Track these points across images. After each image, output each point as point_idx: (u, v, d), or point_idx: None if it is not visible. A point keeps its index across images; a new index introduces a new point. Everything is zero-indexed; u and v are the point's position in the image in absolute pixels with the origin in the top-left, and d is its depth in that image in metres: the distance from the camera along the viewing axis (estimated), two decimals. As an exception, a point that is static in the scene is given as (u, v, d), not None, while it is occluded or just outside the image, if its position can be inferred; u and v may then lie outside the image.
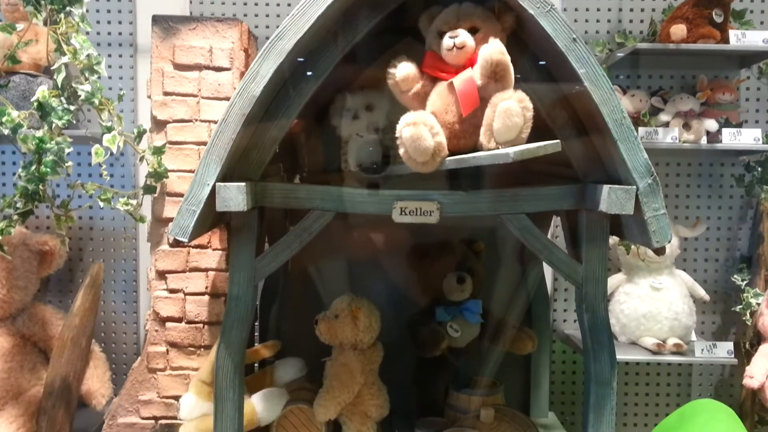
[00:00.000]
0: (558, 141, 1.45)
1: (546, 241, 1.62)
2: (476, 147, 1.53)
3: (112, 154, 1.81)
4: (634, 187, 1.48)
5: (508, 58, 1.44)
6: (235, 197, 1.50)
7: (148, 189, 1.92)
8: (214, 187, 1.50)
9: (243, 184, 1.50)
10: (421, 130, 1.46)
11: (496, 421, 1.69)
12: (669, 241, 1.50)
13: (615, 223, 1.63)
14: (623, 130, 1.46)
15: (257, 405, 1.77)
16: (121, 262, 2.50)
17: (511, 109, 1.42)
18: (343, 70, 1.64)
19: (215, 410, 1.64)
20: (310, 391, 1.86)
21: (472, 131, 1.52)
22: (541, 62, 1.61)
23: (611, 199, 1.48)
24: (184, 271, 1.99)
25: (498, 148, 1.46)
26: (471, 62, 1.51)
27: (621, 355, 2.26)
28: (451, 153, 1.52)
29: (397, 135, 1.49)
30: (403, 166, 1.56)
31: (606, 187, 1.48)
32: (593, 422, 1.62)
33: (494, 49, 1.43)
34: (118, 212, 2.43)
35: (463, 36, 1.50)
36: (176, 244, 1.53)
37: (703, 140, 2.33)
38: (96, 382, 2.27)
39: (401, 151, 1.50)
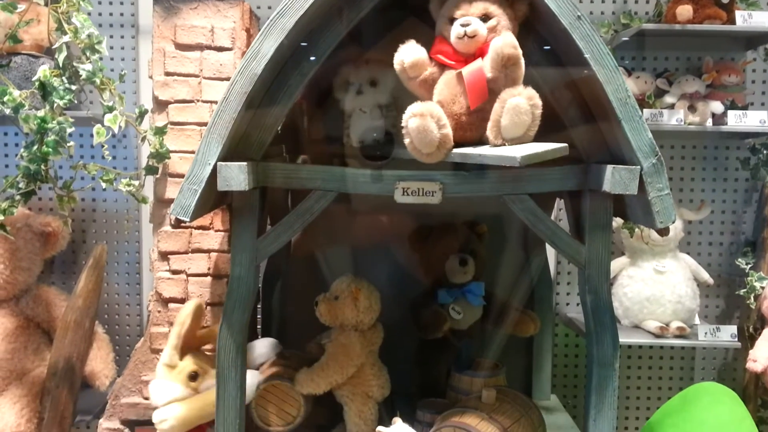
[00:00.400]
0: (566, 145, 1.46)
1: (549, 223, 1.62)
2: (482, 139, 1.52)
3: (113, 134, 1.80)
4: (638, 167, 1.47)
5: (519, 53, 1.43)
6: (236, 176, 1.49)
7: (150, 170, 1.92)
8: (215, 166, 1.49)
9: (244, 163, 1.49)
10: (428, 122, 1.44)
11: (497, 401, 1.69)
12: (673, 222, 1.49)
13: (618, 204, 1.62)
14: (627, 110, 1.45)
15: None
16: (124, 244, 2.50)
17: (519, 106, 1.41)
18: (347, 48, 1.63)
19: (218, 390, 1.64)
20: (283, 366, 1.86)
21: (478, 124, 1.51)
22: (546, 43, 1.59)
23: (615, 179, 1.47)
24: (186, 252, 1.99)
25: (504, 145, 1.46)
26: (482, 52, 1.49)
27: (624, 339, 2.26)
28: (457, 144, 1.51)
29: (403, 124, 1.48)
30: (407, 151, 1.55)
31: (610, 167, 1.47)
32: (595, 403, 1.62)
33: (506, 43, 1.41)
34: (120, 194, 2.43)
35: (475, 24, 1.48)
36: (178, 223, 1.52)
37: (709, 122, 2.31)
38: (99, 363, 2.28)
39: (406, 141, 1.49)
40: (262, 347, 1.98)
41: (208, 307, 2.01)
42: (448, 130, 1.47)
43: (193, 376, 1.82)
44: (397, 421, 1.67)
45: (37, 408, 2.15)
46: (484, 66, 1.45)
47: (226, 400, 1.64)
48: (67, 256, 2.49)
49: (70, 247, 2.44)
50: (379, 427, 1.67)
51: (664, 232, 1.54)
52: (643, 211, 1.53)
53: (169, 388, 1.80)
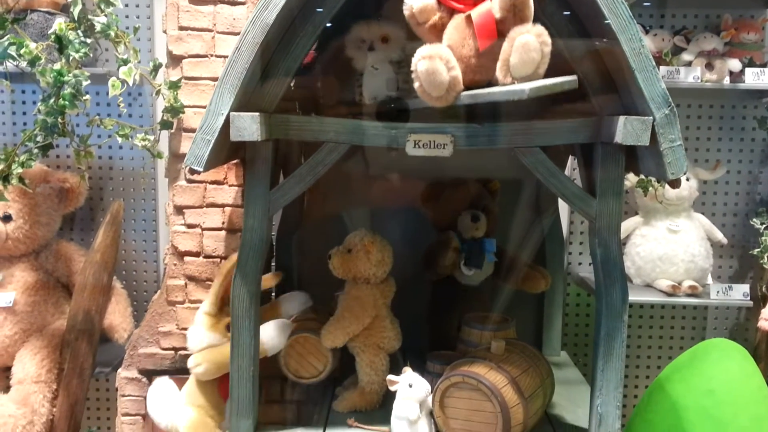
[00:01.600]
0: (575, 78, 1.44)
1: (560, 176, 1.62)
2: (492, 82, 1.51)
3: (128, 87, 1.82)
4: (651, 117, 1.46)
5: None
6: (249, 126, 1.50)
7: (165, 124, 1.94)
8: (228, 116, 1.50)
9: (257, 114, 1.51)
10: (437, 64, 1.44)
11: (506, 352, 1.71)
12: (684, 173, 1.49)
13: (630, 158, 1.61)
14: (641, 60, 1.44)
15: (263, 335, 1.80)
16: (140, 201, 2.54)
17: (528, 43, 1.40)
18: (359, 4, 1.63)
19: (232, 338, 1.68)
20: (315, 321, 1.89)
21: (488, 66, 1.49)
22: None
23: (627, 130, 1.47)
24: (201, 207, 2.02)
25: (514, 84, 1.44)
26: (490, -7, 1.48)
27: (635, 297, 2.27)
28: (467, 87, 1.50)
29: (412, 68, 1.47)
30: (417, 100, 1.55)
31: (622, 118, 1.47)
32: (603, 354, 1.64)
33: None
34: (136, 151, 2.49)
35: None
36: (192, 173, 1.54)
37: (726, 80, 2.29)
38: (118, 316, 2.33)
39: (416, 85, 1.49)
40: (294, 300, 2.01)
41: (223, 261, 2.04)
42: (458, 73, 1.47)
43: (230, 328, 1.85)
44: (407, 371, 1.69)
45: (57, 359, 2.21)
46: (493, 7, 1.44)
47: (240, 348, 1.68)
48: (85, 213, 2.53)
49: (87, 205, 2.48)
50: (390, 376, 1.70)
51: (675, 184, 1.54)
52: (655, 163, 1.52)
53: (206, 336, 1.83)
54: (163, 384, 1.97)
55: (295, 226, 2.26)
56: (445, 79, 1.45)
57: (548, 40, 1.41)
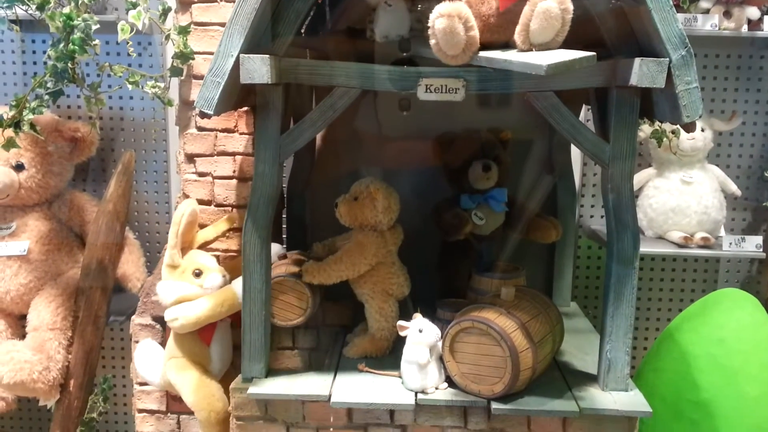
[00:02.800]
0: (594, 54, 1.43)
1: (573, 120, 1.60)
2: (509, 43, 1.50)
3: (137, 31, 1.81)
4: (667, 59, 1.44)
5: None
6: (259, 69, 1.49)
7: (175, 71, 1.93)
8: (238, 58, 1.49)
9: (267, 56, 1.49)
10: (455, 23, 1.42)
11: (516, 299, 1.71)
12: (700, 116, 1.47)
13: (645, 103, 1.59)
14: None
15: (238, 290, 1.83)
16: (152, 152, 2.54)
17: (550, 10, 1.38)
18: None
19: (243, 283, 1.69)
20: (285, 264, 1.88)
21: (506, 26, 1.48)
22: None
23: (642, 71, 1.45)
24: (212, 155, 2.02)
25: (531, 50, 1.44)
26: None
27: (647, 249, 2.26)
28: (483, 46, 1.48)
29: (429, 25, 1.45)
30: (431, 50, 1.53)
31: (638, 60, 1.45)
32: (613, 300, 1.64)
33: None
34: (146, 101, 2.48)
35: None
36: (202, 117, 1.53)
37: (744, 28, 2.24)
38: (131, 266, 2.35)
39: (432, 42, 1.47)
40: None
41: (234, 210, 2.04)
42: (475, 32, 1.45)
43: (198, 273, 1.88)
44: (418, 317, 1.70)
45: (72, 307, 2.24)
46: (517, -34, 1.42)
47: (252, 293, 1.69)
48: (97, 164, 2.54)
49: (99, 156, 2.48)
50: (400, 321, 1.71)
51: (690, 128, 1.52)
52: (670, 106, 1.50)
53: (175, 287, 1.87)
54: (148, 345, 2.05)
55: (305, 177, 2.26)
56: (462, 39, 1.44)
57: (570, 7, 1.40)
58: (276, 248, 2.00)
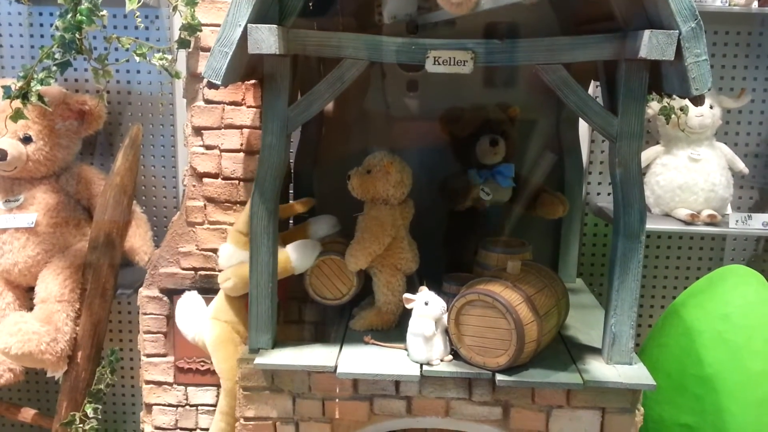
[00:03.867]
0: None
1: (582, 94, 1.59)
2: None
3: (144, 2, 1.80)
4: (677, 31, 1.43)
5: None
6: (267, 39, 1.49)
7: (183, 43, 1.92)
8: (245, 28, 1.48)
9: (275, 26, 1.49)
10: None
11: (522, 273, 1.72)
12: (709, 89, 1.46)
13: (654, 77, 1.58)
14: (669, -30, 1.40)
15: (292, 254, 1.83)
16: (159, 126, 2.54)
17: None
18: None
19: (251, 255, 1.70)
20: (342, 245, 1.90)
21: None
22: None
23: (652, 44, 1.44)
24: (219, 128, 2.02)
25: None
26: None
27: (653, 226, 2.26)
28: None
29: None
30: (438, 12, 1.52)
31: (647, 32, 1.43)
32: (619, 274, 1.64)
33: None
34: (154, 75, 2.48)
35: None
36: (210, 87, 1.53)
37: (755, 4, 2.23)
38: (138, 240, 2.37)
39: None
40: (323, 222, 2.02)
41: (241, 183, 2.05)
42: None
43: None
44: (423, 290, 1.71)
45: (79, 280, 2.26)
46: None
47: (259, 265, 1.70)
48: (104, 138, 2.54)
49: (106, 129, 2.49)
50: (406, 294, 1.72)
51: (699, 101, 1.51)
52: (679, 80, 1.49)
53: (236, 253, 1.86)
54: (192, 297, 2.01)
55: (311, 163, 2.27)
56: None
57: None
58: (330, 221, 2.03)
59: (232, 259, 1.86)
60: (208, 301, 1.98)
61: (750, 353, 1.90)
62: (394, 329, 1.88)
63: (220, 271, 1.90)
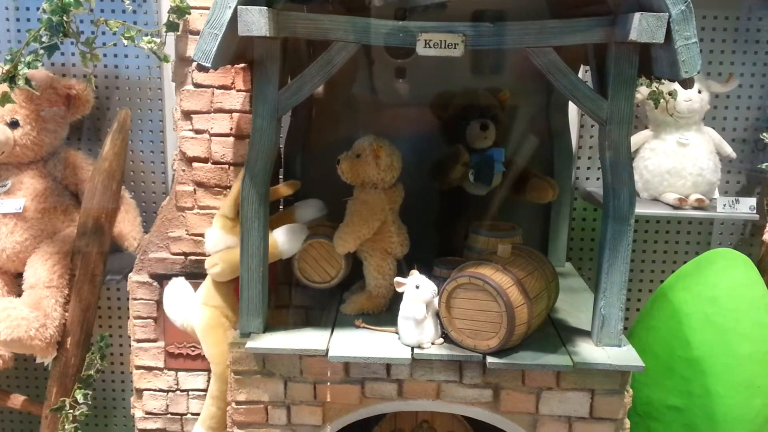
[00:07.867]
0: None
1: (572, 77, 1.60)
2: None
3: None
4: (666, 14, 1.43)
5: None
6: (257, 21, 1.48)
7: (171, 26, 1.91)
8: (235, 10, 1.47)
9: (265, 7, 1.48)
10: None
11: (512, 256, 1.72)
12: (698, 72, 1.47)
13: (644, 61, 1.59)
14: (658, -48, 1.41)
15: (279, 238, 1.82)
16: (147, 111, 2.52)
17: None
18: None
19: (242, 239, 1.69)
20: (330, 228, 1.90)
21: None
22: None
23: (642, 26, 1.44)
24: (208, 112, 2.01)
25: None
26: None
27: (642, 210, 2.27)
28: None
29: None
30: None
31: (637, 14, 1.44)
32: (608, 257, 1.65)
33: None
34: (142, 59, 2.46)
35: None
36: (200, 70, 1.53)
37: (744, -11, 2.24)
38: (127, 225, 2.35)
39: None
40: (310, 206, 2.02)
41: (231, 168, 2.04)
42: None
43: None
44: (415, 273, 1.71)
45: (68, 265, 2.25)
46: None
47: (250, 249, 1.69)
48: (92, 123, 2.52)
49: (94, 114, 2.47)
50: (397, 278, 1.72)
51: (688, 84, 1.51)
52: (669, 62, 1.50)
53: (223, 238, 1.86)
54: (179, 284, 2.01)
55: (301, 149, 2.26)
56: None
57: None
58: (317, 205, 2.03)
59: (218, 244, 1.86)
60: (198, 285, 1.97)
61: (737, 336, 1.92)
62: (385, 313, 1.88)
63: (199, 259, 1.89)
